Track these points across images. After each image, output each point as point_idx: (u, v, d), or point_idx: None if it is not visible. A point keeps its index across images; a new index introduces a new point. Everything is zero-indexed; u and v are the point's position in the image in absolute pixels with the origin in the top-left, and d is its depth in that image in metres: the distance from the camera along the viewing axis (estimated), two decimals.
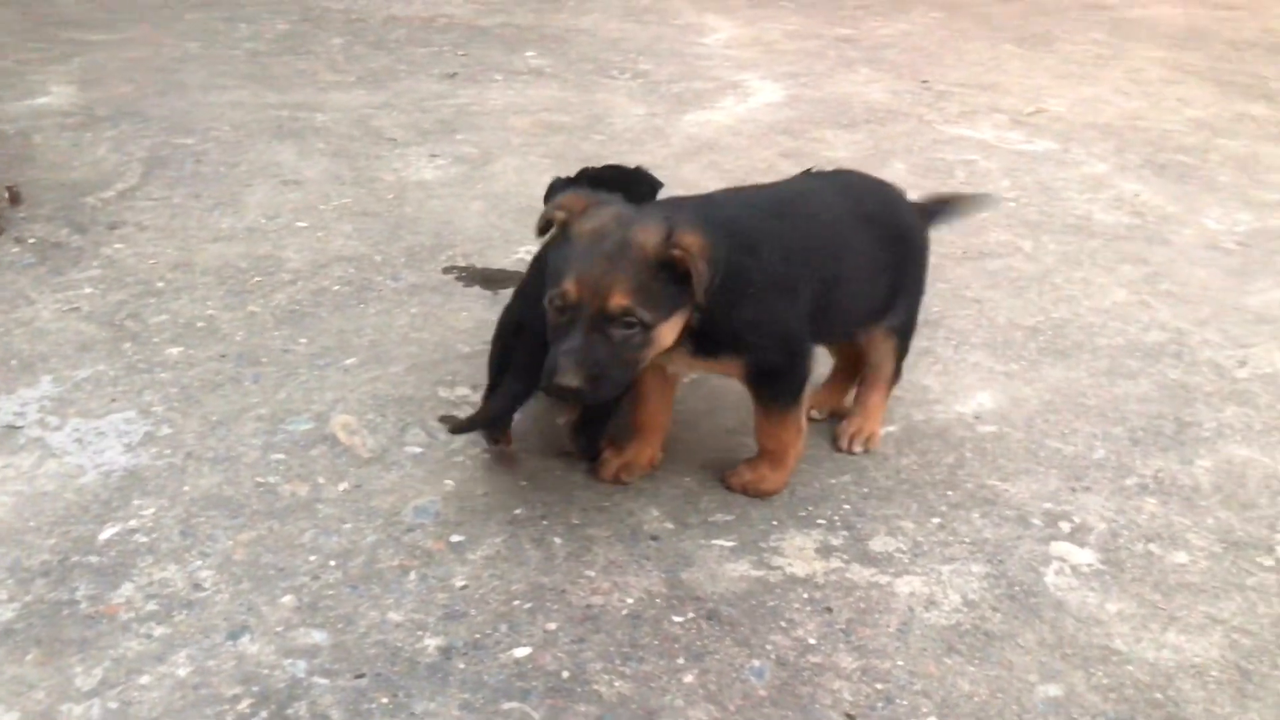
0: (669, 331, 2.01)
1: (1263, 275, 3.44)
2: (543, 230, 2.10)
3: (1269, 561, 2.16)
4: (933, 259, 3.31)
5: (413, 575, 2.03)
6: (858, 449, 2.44)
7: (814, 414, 2.52)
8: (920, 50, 6.21)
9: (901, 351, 2.49)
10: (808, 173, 2.58)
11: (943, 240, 3.57)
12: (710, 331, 2.08)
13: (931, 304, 3.13)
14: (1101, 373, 2.82)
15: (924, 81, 5.54)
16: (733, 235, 2.05)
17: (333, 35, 5.92)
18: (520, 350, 2.21)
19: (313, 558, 2.06)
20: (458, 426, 2.30)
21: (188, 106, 4.60)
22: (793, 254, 2.15)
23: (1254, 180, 4.28)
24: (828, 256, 2.24)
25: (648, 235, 1.95)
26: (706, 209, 2.14)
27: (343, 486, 2.27)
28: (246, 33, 5.90)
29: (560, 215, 2.05)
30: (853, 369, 2.58)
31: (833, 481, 2.35)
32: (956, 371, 2.80)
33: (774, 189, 2.41)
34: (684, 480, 2.33)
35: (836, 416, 2.55)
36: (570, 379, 1.92)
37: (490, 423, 2.28)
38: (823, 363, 2.71)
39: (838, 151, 4.40)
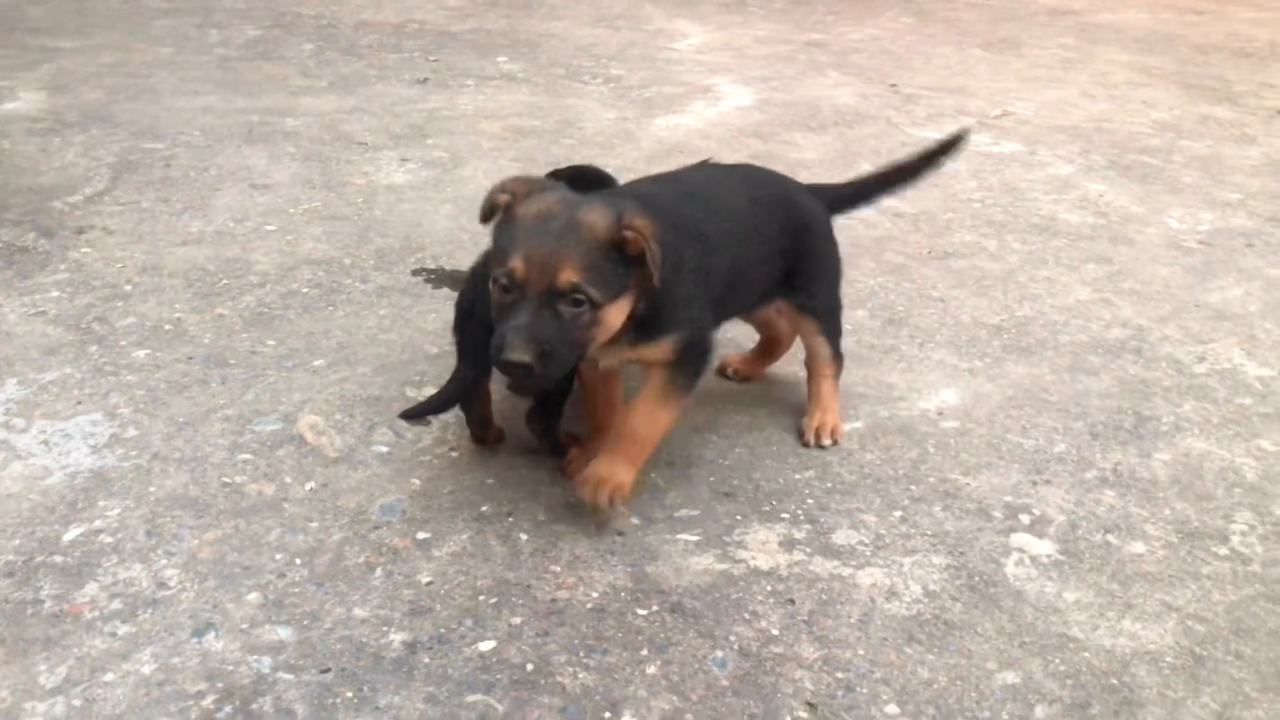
0: (616, 314, 2.00)
1: (1223, 273, 3.50)
2: (486, 217, 2.08)
3: (1223, 551, 2.20)
4: (899, 259, 3.33)
5: (379, 572, 2.04)
6: (826, 441, 2.46)
7: (729, 374, 2.75)
8: (889, 54, 6.28)
9: (828, 332, 2.52)
10: (705, 163, 2.68)
11: (908, 240, 3.63)
12: (652, 316, 2.08)
13: (896, 303, 3.17)
14: (1063, 369, 2.86)
15: (892, 85, 5.59)
16: (667, 218, 2.07)
17: (304, 41, 5.92)
18: (469, 335, 2.22)
19: (279, 556, 2.07)
20: (409, 413, 2.33)
21: (158, 112, 4.59)
22: (709, 236, 2.19)
23: (1216, 181, 4.35)
24: (735, 238, 2.28)
25: (597, 216, 1.96)
26: (637, 194, 2.17)
27: (310, 486, 2.27)
28: (217, 38, 5.89)
29: (504, 198, 2.04)
30: (772, 346, 2.73)
31: (797, 477, 2.37)
32: (921, 369, 2.83)
33: (684, 177, 2.48)
34: (649, 477, 2.35)
35: (748, 380, 2.75)
36: (519, 354, 1.88)
37: (441, 408, 2.30)
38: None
39: (806, 153, 4.44)
